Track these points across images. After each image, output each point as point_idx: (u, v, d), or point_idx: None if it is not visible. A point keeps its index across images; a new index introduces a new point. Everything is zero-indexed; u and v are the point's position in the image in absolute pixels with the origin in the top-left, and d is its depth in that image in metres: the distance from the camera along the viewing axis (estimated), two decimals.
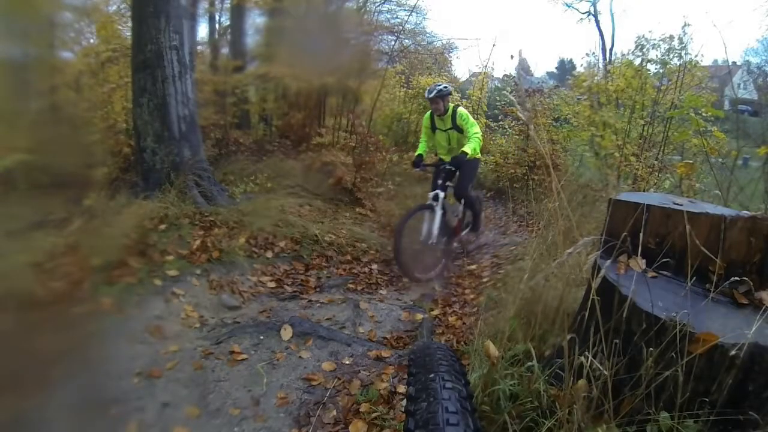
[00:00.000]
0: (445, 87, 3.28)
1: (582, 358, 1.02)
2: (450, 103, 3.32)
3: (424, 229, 3.07)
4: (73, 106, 3.94)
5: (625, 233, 1.24)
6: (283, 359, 1.89)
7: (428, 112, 3.44)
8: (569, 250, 1.14)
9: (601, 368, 0.99)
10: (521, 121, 6.11)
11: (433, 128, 3.41)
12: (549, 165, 1.31)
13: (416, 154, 3.44)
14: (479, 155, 3.48)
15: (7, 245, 2.12)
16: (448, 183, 3.29)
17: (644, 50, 5.08)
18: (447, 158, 3.35)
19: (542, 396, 1.21)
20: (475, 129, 3.21)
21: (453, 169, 3.27)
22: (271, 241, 2.98)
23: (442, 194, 3.17)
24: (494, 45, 14.37)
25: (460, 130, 3.28)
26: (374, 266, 3.28)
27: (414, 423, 0.84)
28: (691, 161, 2.95)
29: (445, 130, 3.36)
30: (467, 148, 3.07)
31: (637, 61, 5.15)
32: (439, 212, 3.10)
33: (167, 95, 3.13)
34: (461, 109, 3.32)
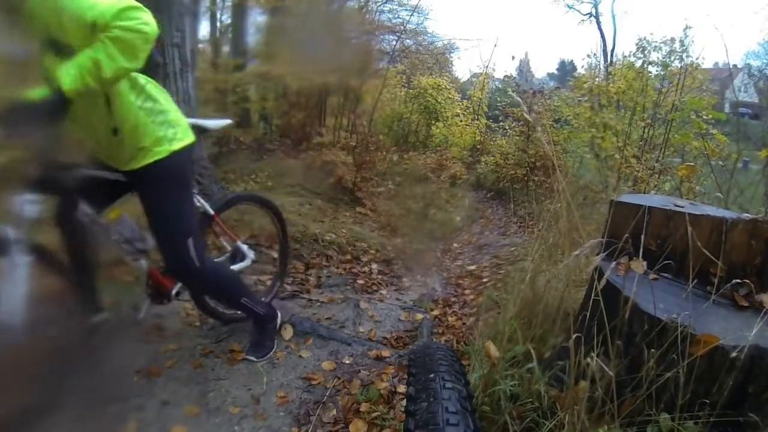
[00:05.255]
0: None
1: (589, 359, 1.02)
2: None
3: None
4: None
5: (626, 235, 1.24)
6: (283, 358, 1.89)
7: None
8: (576, 252, 1.14)
9: (606, 369, 0.99)
10: (521, 122, 6.13)
11: None
12: (555, 166, 1.31)
13: None
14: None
15: None
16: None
17: (645, 52, 5.09)
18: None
19: (543, 397, 1.22)
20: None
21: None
22: (271, 239, 2.97)
23: (31, 209, 1.21)
24: (495, 46, 14.39)
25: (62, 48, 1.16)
26: (374, 266, 3.29)
27: (414, 423, 0.84)
28: (692, 164, 2.95)
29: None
30: (63, 75, 1.09)
31: (639, 63, 5.16)
32: (21, 260, 1.15)
33: (168, 92, 3.12)
34: None
